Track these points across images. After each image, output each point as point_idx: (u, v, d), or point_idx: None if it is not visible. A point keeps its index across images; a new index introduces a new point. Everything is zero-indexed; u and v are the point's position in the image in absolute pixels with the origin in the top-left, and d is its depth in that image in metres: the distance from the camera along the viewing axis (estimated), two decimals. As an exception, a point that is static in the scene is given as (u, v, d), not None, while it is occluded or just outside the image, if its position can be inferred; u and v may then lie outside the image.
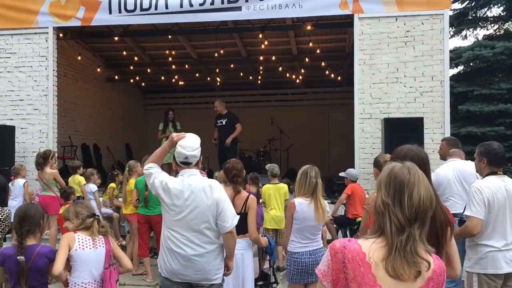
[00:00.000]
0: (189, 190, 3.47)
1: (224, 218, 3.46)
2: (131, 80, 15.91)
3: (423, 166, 2.52)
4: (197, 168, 3.64)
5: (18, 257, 3.35)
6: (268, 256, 4.90)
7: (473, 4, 14.16)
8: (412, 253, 1.66)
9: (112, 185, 8.79)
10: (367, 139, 8.37)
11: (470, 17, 14.45)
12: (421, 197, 1.71)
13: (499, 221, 3.72)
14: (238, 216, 3.61)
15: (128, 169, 7.50)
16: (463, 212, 3.86)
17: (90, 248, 3.44)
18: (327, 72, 14.33)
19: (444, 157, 5.65)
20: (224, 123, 10.38)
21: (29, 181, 8.65)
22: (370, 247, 1.69)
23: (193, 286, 3.52)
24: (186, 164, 3.56)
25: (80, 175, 8.18)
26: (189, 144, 3.55)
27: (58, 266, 3.32)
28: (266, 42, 11.84)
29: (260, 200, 7.70)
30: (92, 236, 3.48)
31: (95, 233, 3.49)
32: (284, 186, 7.29)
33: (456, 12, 14.09)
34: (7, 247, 3.67)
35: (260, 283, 4.86)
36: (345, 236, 7.44)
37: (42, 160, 7.52)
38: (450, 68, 9.39)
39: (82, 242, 3.43)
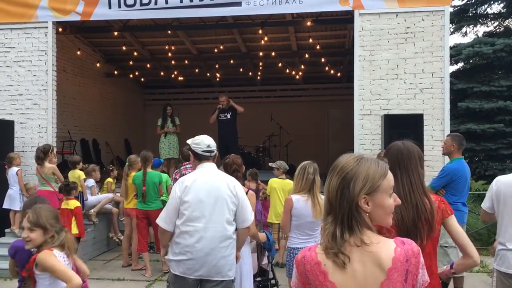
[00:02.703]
0: (212, 183, 3.51)
1: (244, 214, 3.54)
2: (131, 75, 15.88)
3: (399, 158, 2.51)
4: (214, 162, 3.69)
5: (32, 249, 3.34)
6: (266, 252, 4.90)
7: (473, 1, 14.14)
8: (334, 242, 1.60)
9: (109, 180, 8.80)
10: (367, 136, 8.36)
11: (470, 14, 14.44)
12: (330, 185, 1.67)
13: (509, 219, 3.65)
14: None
15: (128, 163, 7.50)
16: None
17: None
18: (327, 68, 14.31)
19: (447, 153, 5.65)
20: (229, 116, 10.34)
21: (29, 176, 8.65)
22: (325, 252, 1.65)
23: (203, 281, 3.51)
24: (209, 152, 3.60)
25: (81, 169, 8.20)
26: (207, 136, 3.72)
27: (74, 276, 2.91)
28: (266, 38, 11.81)
29: (261, 193, 7.74)
30: (66, 252, 3.07)
31: (71, 250, 3.09)
32: (290, 183, 7.27)
33: (456, 8, 14.07)
34: (17, 239, 3.68)
35: (259, 279, 4.86)
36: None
37: (43, 154, 7.52)
38: (450, 65, 9.38)
39: (62, 261, 3.02)
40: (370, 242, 1.60)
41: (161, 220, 3.57)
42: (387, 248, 1.60)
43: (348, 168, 1.66)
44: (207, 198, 3.46)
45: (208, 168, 3.59)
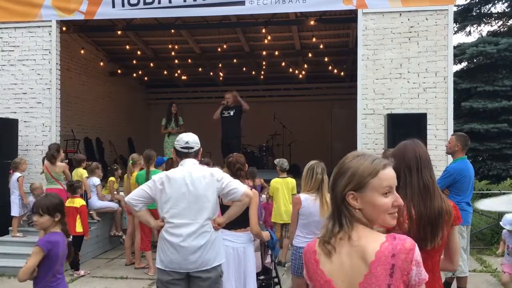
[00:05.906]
0: (190, 178, 3.50)
1: (231, 189, 3.54)
2: (134, 75, 15.91)
3: (417, 158, 2.49)
4: (197, 159, 3.68)
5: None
6: (270, 251, 4.90)
7: (477, 0, 14.08)
8: (326, 234, 1.69)
9: (112, 179, 8.82)
10: (370, 135, 8.36)
11: (474, 13, 14.38)
12: (329, 181, 1.76)
13: None
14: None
15: (132, 162, 7.52)
16: None
17: None
18: (330, 68, 14.31)
19: (451, 152, 5.63)
20: (231, 114, 10.32)
21: (32, 174, 8.68)
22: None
23: (191, 277, 3.53)
24: (187, 149, 3.62)
25: (84, 168, 8.22)
26: (189, 133, 3.73)
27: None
28: (269, 37, 11.82)
29: (265, 194, 7.73)
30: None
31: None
32: (292, 181, 7.29)
33: (460, 8, 14.02)
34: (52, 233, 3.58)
35: (262, 277, 4.86)
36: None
37: (57, 153, 7.56)
38: (453, 64, 9.35)
39: None
40: (358, 237, 1.64)
41: (130, 198, 3.54)
42: (374, 242, 1.62)
43: (343, 164, 1.72)
44: (184, 194, 3.48)
45: (187, 164, 3.60)
